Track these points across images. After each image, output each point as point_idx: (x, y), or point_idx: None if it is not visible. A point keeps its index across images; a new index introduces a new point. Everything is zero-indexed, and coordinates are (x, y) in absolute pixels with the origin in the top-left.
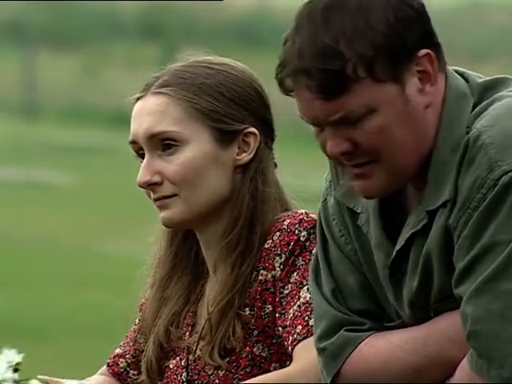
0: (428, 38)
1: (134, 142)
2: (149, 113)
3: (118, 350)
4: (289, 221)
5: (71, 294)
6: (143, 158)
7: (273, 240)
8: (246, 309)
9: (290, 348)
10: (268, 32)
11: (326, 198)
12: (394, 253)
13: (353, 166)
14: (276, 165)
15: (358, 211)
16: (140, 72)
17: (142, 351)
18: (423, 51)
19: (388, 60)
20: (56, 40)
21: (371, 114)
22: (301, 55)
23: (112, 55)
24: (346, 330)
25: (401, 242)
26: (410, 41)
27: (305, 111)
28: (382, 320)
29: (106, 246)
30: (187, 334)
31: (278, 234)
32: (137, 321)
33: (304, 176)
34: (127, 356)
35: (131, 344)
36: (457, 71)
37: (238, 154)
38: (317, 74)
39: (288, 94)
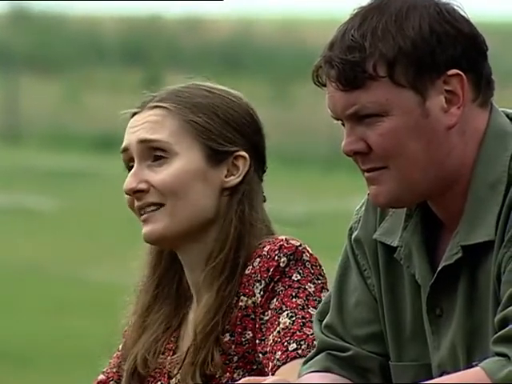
0: (466, 62)
1: (125, 150)
2: (144, 122)
3: (101, 377)
4: (269, 247)
5: (55, 320)
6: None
7: (253, 266)
8: (227, 334)
9: (270, 374)
10: (251, 55)
11: (352, 231)
12: (428, 288)
13: (366, 170)
14: (265, 199)
15: (395, 245)
16: (123, 97)
17: None
18: (453, 71)
19: (411, 67)
20: (39, 65)
21: (384, 116)
22: (331, 47)
23: (95, 80)
24: (327, 354)
25: (433, 277)
26: (440, 56)
27: (328, 103)
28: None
29: (90, 272)
30: (168, 358)
31: (258, 260)
32: (120, 347)
33: (287, 200)
34: (110, 382)
35: (114, 370)
36: (504, 111)
37: (226, 176)
38: (337, 63)
39: (320, 86)
